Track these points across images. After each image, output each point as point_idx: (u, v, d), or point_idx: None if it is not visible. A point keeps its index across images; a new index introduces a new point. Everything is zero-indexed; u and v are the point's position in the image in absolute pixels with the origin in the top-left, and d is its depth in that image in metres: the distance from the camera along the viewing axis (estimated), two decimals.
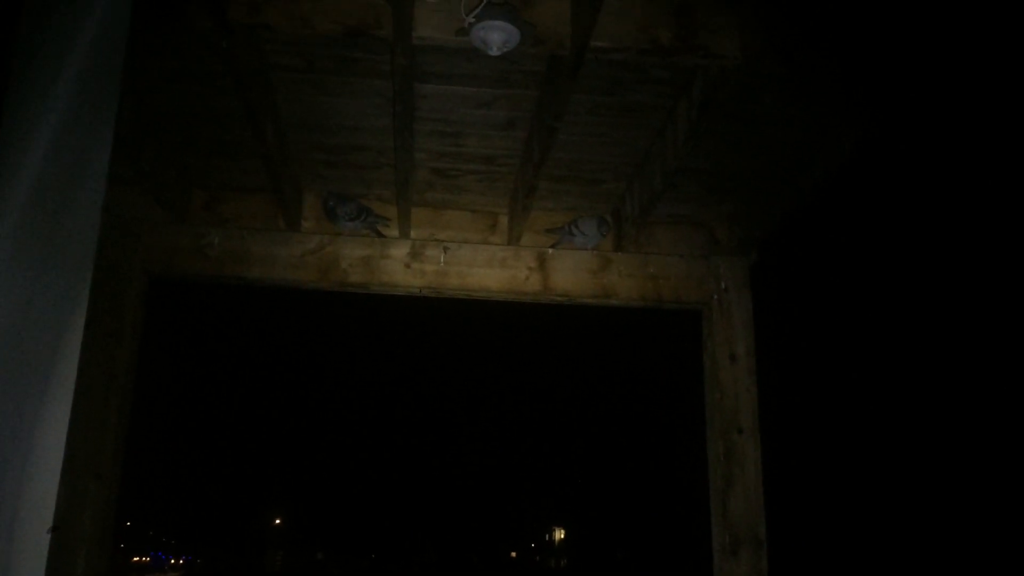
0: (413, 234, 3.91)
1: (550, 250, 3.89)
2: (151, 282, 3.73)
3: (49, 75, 0.92)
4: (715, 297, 3.86)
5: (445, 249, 3.85)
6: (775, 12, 2.49)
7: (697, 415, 3.89)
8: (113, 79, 1.06)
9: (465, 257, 3.85)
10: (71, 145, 0.96)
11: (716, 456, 3.71)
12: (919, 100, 2.78)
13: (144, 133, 3.26)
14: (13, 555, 0.85)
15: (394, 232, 3.88)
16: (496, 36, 2.35)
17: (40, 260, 0.91)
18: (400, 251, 3.83)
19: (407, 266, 3.81)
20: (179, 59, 2.91)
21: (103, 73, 1.03)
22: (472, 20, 2.36)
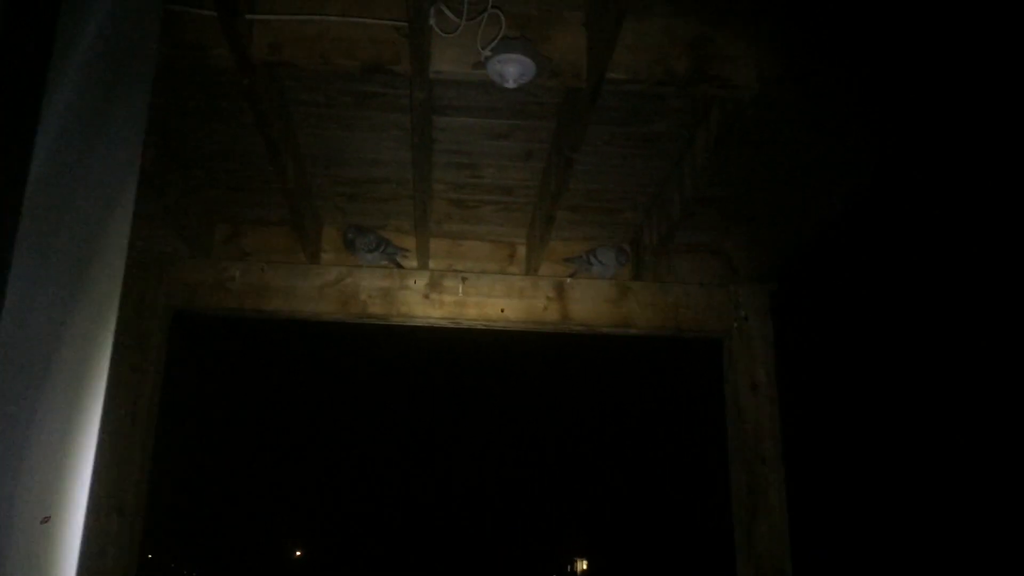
0: (432, 265, 3.92)
1: (569, 279, 3.89)
2: (174, 316, 3.76)
3: (76, 104, 0.94)
4: (735, 325, 3.83)
5: (464, 279, 3.86)
6: (791, 40, 2.50)
7: (720, 445, 3.85)
8: (141, 105, 1.07)
9: (484, 287, 3.86)
10: (96, 172, 0.97)
11: (740, 487, 3.67)
12: (941, 125, 2.77)
13: (168, 170, 3.31)
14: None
15: (413, 263, 3.90)
16: (512, 69, 2.37)
17: (69, 282, 0.92)
18: (419, 282, 3.85)
19: (426, 297, 3.83)
20: (202, 97, 2.96)
21: (131, 96, 1.05)
22: (488, 54, 2.39)
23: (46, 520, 0.85)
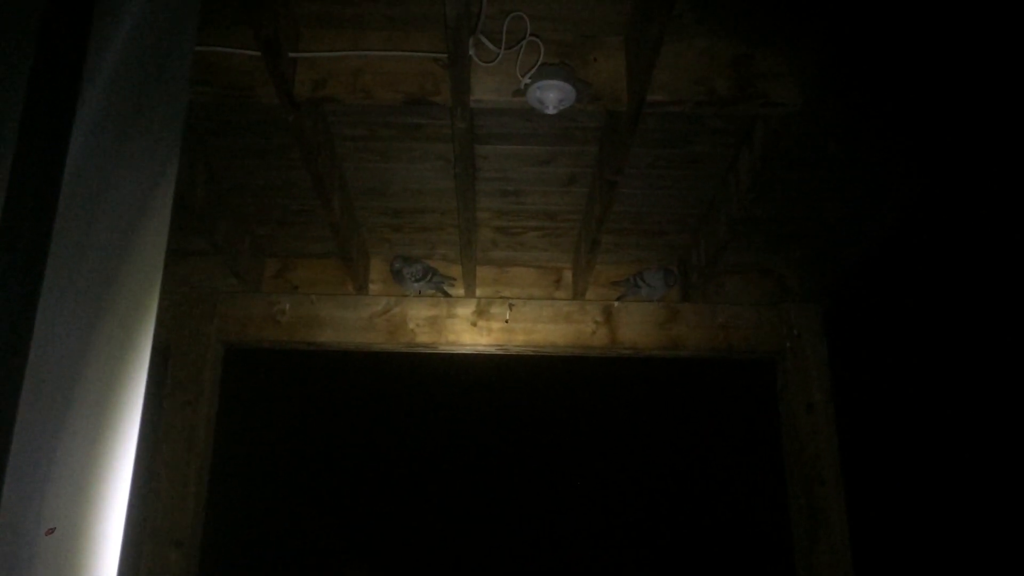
0: (479, 292, 3.93)
1: (616, 303, 3.87)
2: (227, 350, 3.83)
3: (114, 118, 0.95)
4: (788, 345, 3.77)
5: (511, 306, 3.86)
6: (833, 55, 2.46)
7: (778, 469, 3.77)
8: (177, 109, 1.08)
9: (531, 313, 3.86)
10: (136, 171, 0.97)
11: (798, 510, 3.58)
12: (997, 133, 2.70)
13: (218, 207, 3.38)
14: None
15: (460, 291, 3.92)
16: (552, 95, 2.38)
17: (105, 279, 0.93)
18: (466, 310, 3.86)
19: (473, 324, 3.84)
20: (249, 135, 3.03)
21: (166, 101, 1.06)
22: (528, 81, 2.40)
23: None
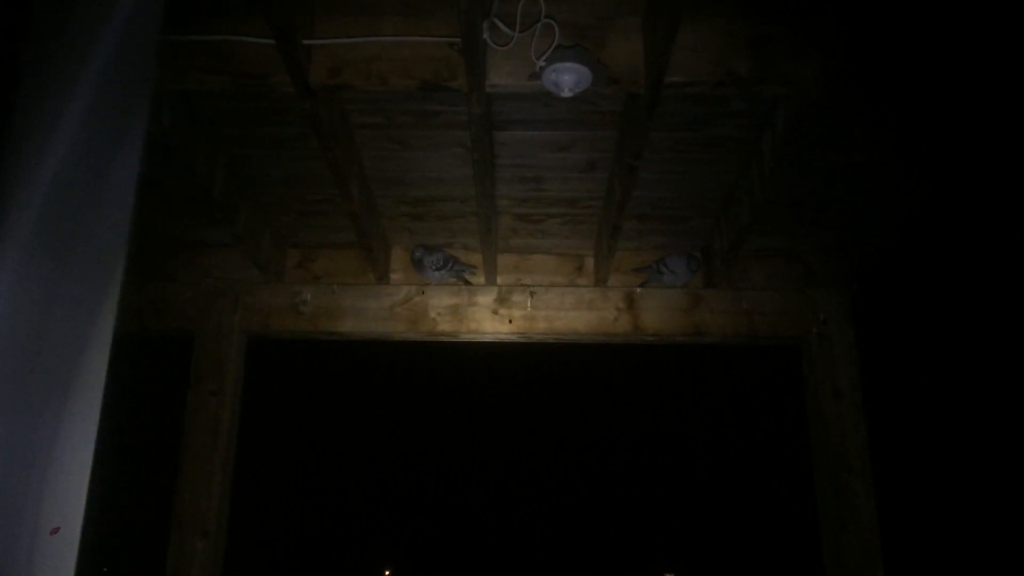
0: (499, 280, 3.91)
1: (639, 289, 3.83)
2: (249, 341, 3.84)
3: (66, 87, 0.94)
4: (814, 330, 3.71)
5: (532, 294, 3.84)
6: (856, 33, 2.40)
7: (805, 456, 3.72)
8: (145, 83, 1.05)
9: (552, 301, 3.83)
10: (94, 147, 0.96)
11: (825, 498, 3.53)
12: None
13: (238, 199, 3.39)
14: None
15: (481, 279, 3.90)
16: (567, 78, 2.35)
17: (60, 265, 0.91)
18: (487, 298, 3.85)
19: (495, 312, 3.82)
20: (267, 125, 3.03)
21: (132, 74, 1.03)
22: (543, 64, 2.37)
23: (55, 531, 0.84)
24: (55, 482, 0.86)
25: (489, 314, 3.82)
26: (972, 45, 2.34)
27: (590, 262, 3.96)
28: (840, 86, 2.51)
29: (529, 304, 3.81)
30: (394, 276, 3.93)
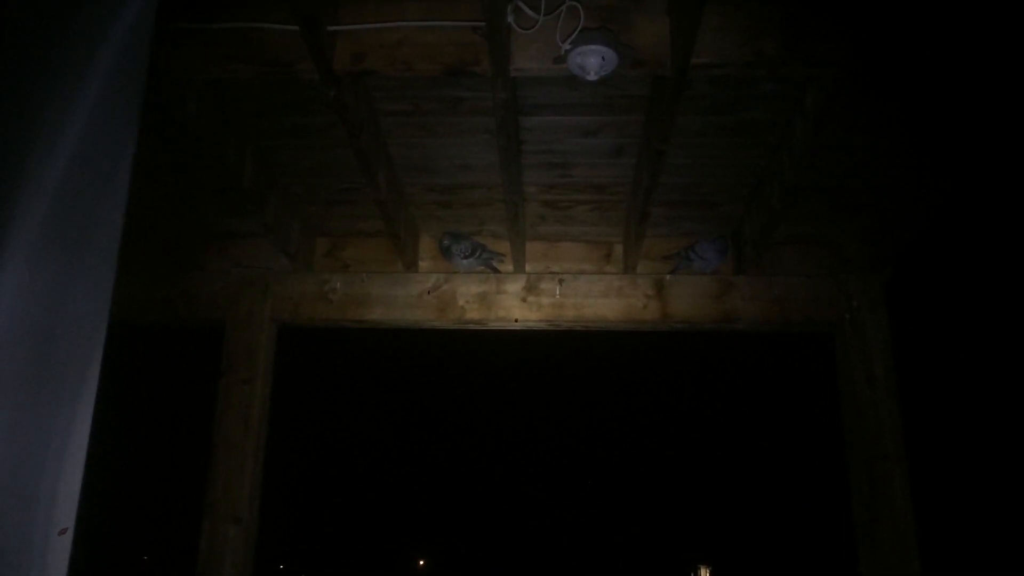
0: (528, 268, 3.90)
1: (668, 276, 3.79)
2: (280, 329, 3.87)
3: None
4: (847, 317, 3.65)
5: (560, 281, 3.82)
6: (889, 13, 2.35)
7: (839, 444, 3.67)
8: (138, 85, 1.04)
9: (581, 288, 3.81)
10: (95, 145, 0.96)
11: (860, 486, 3.48)
12: None
13: (267, 188, 3.41)
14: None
15: (509, 267, 3.89)
16: (593, 61, 2.32)
17: (65, 261, 0.91)
18: (515, 286, 3.83)
19: (523, 300, 3.81)
20: (294, 114, 3.04)
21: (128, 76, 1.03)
22: (568, 47, 2.34)
23: (63, 532, 0.85)
24: (71, 481, 0.87)
25: (518, 302, 3.81)
26: (1011, 21, 2.28)
27: (619, 249, 3.93)
28: (873, 67, 2.46)
29: (558, 291, 3.80)
30: (422, 264, 3.93)
